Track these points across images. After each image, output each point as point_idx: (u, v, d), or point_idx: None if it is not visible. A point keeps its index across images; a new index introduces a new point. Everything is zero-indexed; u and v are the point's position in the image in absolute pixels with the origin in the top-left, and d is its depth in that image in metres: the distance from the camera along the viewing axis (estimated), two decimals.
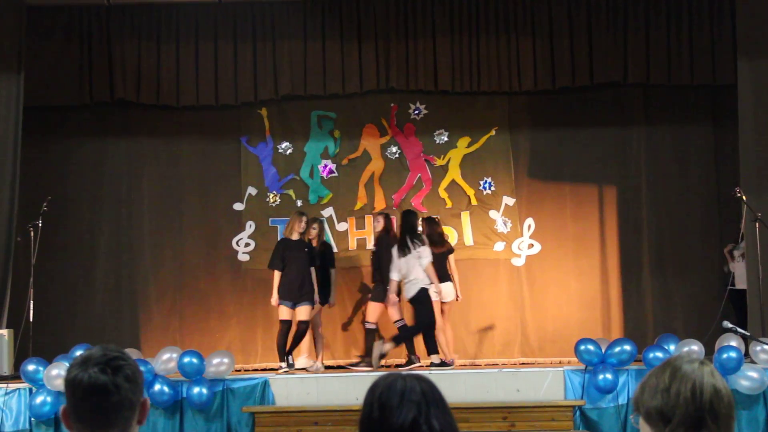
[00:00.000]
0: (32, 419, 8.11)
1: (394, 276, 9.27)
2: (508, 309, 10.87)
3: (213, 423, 8.14)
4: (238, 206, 11.14)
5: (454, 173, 11.15)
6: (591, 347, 8.19)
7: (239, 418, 8.14)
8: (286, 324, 9.38)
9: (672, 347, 8.17)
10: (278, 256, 9.50)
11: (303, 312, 9.36)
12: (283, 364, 9.24)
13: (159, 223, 11.06)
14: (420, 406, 2.02)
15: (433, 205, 11.04)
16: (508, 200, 11.06)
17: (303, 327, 9.41)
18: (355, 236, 11.08)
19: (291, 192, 11.17)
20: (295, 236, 9.56)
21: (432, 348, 9.35)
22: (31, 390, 8.16)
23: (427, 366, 9.56)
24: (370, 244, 10.68)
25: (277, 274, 9.45)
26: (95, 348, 2.36)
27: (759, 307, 9.02)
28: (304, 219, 9.70)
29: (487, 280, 10.89)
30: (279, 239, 9.93)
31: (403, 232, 9.45)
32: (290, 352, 9.39)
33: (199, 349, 8.64)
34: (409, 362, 9.79)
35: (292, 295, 9.36)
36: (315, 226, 9.88)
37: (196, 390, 8.07)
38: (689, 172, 11.08)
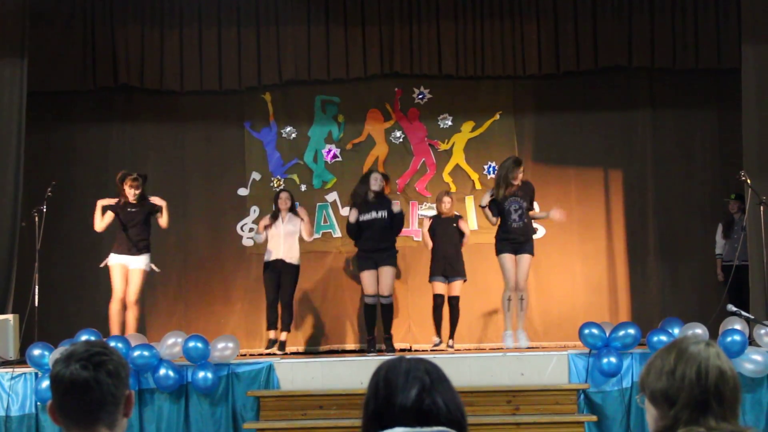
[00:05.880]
0: (38, 403, 8.12)
1: None
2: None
3: (218, 407, 8.14)
4: (243, 191, 11.14)
5: (459, 157, 11.14)
6: (595, 331, 8.18)
7: (244, 402, 8.13)
8: None
9: (676, 331, 8.16)
10: None
11: None
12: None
13: None
14: (424, 382, 2.03)
15: (438, 189, 11.02)
16: None
17: None
18: None
19: (295, 177, 11.15)
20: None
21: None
22: (36, 374, 8.17)
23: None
24: None
25: None
26: (79, 342, 2.36)
27: (763, 290, 9.00)
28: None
29: (492, 265, 10.81)
30: None
31: None
32: None
33: (203, 333, 8.64)
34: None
35: None
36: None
37: (201, 374, 8.08)
38: (694, 155, 11.07)
